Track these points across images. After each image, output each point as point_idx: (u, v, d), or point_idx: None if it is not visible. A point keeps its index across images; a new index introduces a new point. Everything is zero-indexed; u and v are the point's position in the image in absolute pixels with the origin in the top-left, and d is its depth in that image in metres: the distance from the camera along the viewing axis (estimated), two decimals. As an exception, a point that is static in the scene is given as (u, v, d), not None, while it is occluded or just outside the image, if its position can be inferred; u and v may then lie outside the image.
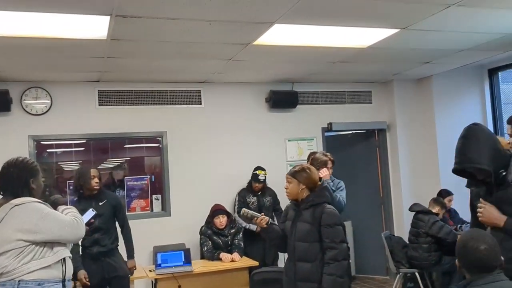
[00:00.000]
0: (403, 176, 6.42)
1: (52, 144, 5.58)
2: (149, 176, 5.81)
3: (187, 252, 4.52)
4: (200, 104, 5.87)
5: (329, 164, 4.22)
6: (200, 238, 4.91)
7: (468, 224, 4.59)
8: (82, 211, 3.91)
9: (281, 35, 4.01)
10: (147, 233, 5.29)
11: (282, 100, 6.08)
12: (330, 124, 6.32)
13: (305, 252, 2.97)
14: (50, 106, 5.28)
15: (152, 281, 4.51)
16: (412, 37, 4.34)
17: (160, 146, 5.76)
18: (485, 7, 3.67)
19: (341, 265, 2.90)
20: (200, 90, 5.87)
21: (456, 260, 2.06)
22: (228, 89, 5.97)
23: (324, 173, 4.06)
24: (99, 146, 5.81)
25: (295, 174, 3.11)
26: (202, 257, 4.91)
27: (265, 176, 5.48)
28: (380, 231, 5.96)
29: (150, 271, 4.43)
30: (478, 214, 2.37)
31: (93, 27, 3.54)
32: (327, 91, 6.41)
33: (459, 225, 5.39)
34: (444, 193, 5.53)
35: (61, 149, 5.72)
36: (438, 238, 4.66)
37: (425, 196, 5.59)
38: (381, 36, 4.25)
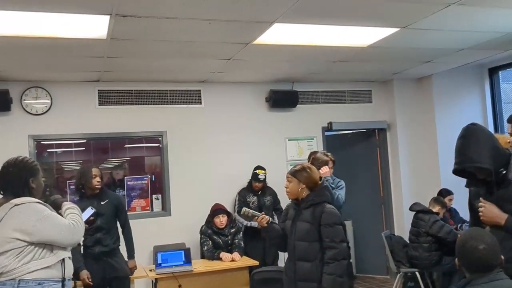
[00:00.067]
0: (404, 176, 6.41)
1: (52, 144, 5.58)
2: (149, 176, 5.81)
3: (187, 251, 4.52)
4: (200, 103, 5.87)
5: (330, 164, 4.23)
6: (200, 238, 4.91)
7: (468, 224, 4.59)
8: (83, 210, 3.92)
9: (281, 34, 4.00)
10: (147, 232, 5.29)
11: (282, 99, 6.08)
12: (330, 123, 6.32)
13: (305, 252, 2.97)
14: (50, 106, 5.28)
15: (152, 281, 4.51)
16: (412, 36, 4.34)
17: (160, 145, 5.76)
18: (485, 6, 3.66)
19: (340, 265, 2.90)
20: (200, 90, 5.87)
21: (456, 260, 2.06)
22: (228, 88, 5.96)
23: (324, 170, 4.06)
24: (99, 146, 5.81)
25: (296, 173, 3.12)
26: (202, 257, 4.91)
27: (265, 176, 5.48)
28: (380, 230, 5.96)
29: (150, 270, 4.43)
30: (480, 213, 2.37)
31: (93, 26, 3.54)
32: (327, 91, 6.41)
33: (459, 225, 5.38)
34: (444, 193, 5.53)
35: (61, 149, 5.73)
36: (438, 237, 4.66)
37: (425, 195, 5.59)
38: (381, 35, 4.25)
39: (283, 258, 4.91)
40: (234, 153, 5.89)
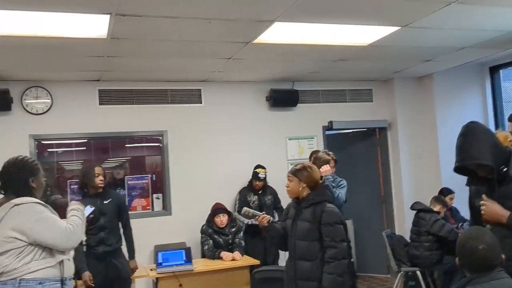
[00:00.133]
0: (404, 175, 6.41)
1: (52, 144, 5.58)
2: (150, 175, 5.81)
3: (188, 251, 4.53)
4: (201, 103, 5.87)
5: (332, 163, 4.23)
6: (201, 237, 4.91)
7: (469, 223, 4.58)
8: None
9: (281, 33, 4.00)
10: (148, 232, 5.29)
11: (283, 98, 6.07)
12: (330, 122, 6.31)
13: (306, 251, 2.97)
14: (51, 106, 5.28)
15: (153, 280, 4.52)
16: (413, 35, 4.33)
17: (161, 145, 5.76)
18: (486, 4, 3.65)
19: (341, 264, 2.90)
20: (200, 89, 5.86)
21: (456, 259, 2.05)
22: (229, 88, 5.96)
23: (325, 168, 4.07)
24: (100, 146, 5.81)
25: (296, 172, 3.11)
26: (203, 256, 4.91)
27: (265, 174, 5.48)
28: (381, 229, 5.95)
29: (151, 270, 4.44)
30: (482, 212, 2.36)
31: (93, 26, 3.53)
32: (328, 90, 6.40)
33: (460, 224, 5.38)
34: (445, 192, 5.53)
35: (62, 148, 5.73)
36: (439, 236, 4.66)
37: (426, 194, 5.59)
38: (382, 34, 4.24)
39: (284, 257, 4.90)
40: (235, 152, 5.89)
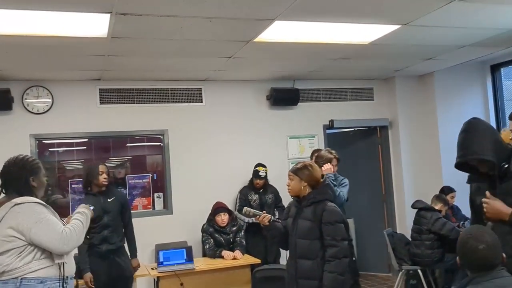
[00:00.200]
0: (405, 173, 6.40)
1: (53, 143, 5.58)
2: (150, 175, 5.81)
3: (189, 250, 4.53)
4: (201, 102, 5.87)
5: (334, 162, 4.23)
6: (202, 236, 4.91)
7: (470, 221, 4.58)
8: None
9: (282, 32, 3.99)
10: (149, 231, 5.29)
11: (283, 97, 6.07)
12: (331, 121, 6.31)
13: (306, 250, 2.97)
14: (52, 105, 5.29)
15: (154, 279, 4.52)
16: (414, 33, 4.32)
17: (162, 144, 5.76)
18: (487, 2, 3.64)
19: (341, 263, 2.89)
20: (201, 88, 5.86)
21: (457, 258, 2.05)
22: (229, 87, 5.96)
23: (326, 167, 4.07)
24: (101, 145, 5.81)
25: (297, 171, 3.11)
26: (204, 255, 4.91)
27: (266, 173, 5.47)
28: (382, 228, 5.96)
29: (152, 269, 4.44)
30: (484, 209, 2.35)
31: (94, 25, 3.53)
32: (329, 88, 6.39)
33: (461, 222, 5.38)
34: (446, 190, 5.52)
35: (63, 148, 5.72)
36: (440, 235, 4.66)
37: (427, 193, 5.58)
38: (383, 32, 4.24)
39: (285, 256, 4.90)
40: (236, 151, 5.89)
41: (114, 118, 5.49)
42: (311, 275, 2.93)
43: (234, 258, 4.63)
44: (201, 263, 4.54)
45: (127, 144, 5.94)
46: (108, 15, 3.31)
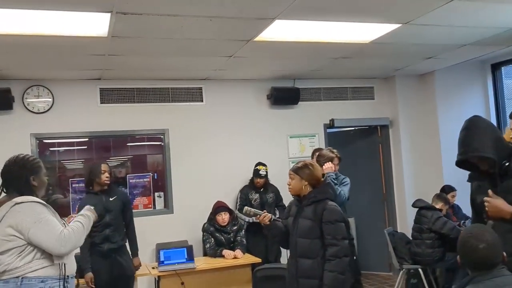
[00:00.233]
0: (406, 172, 6.40)
1: (54, 143, 5.58)
2: (151, 174, 5.81)
3: (189, 249, 4.53)
4: (202, 101, 5.86)
5: (336, 161, 4.24)
6: (203, 235, 4.91)
7: (471, 220, 4.58)
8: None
9: (282, 31, 3.99)
10: (150, 230, 5.30)
11: (284, 96, 6.07)
12: (332, 120, 6.31)
13: (307, 249, 2.97)
14: (52, 104, 5.29)
15: (155, 278, 4.52)
16: (414, 32, 4.32)
17: (162, 143, 5.76)
18: (487, 1, 3.64)
19: (342, 262, 2.89)
20: (201, 88, 5.86)
21: (458, 257, 2.05)
22: (230, 86, 5.96)
23: (327, 165, 4.07)
24: (101, 144, 5.81)
25: (298, 170, 3.11)
26: (205, 254, 4.91)
27: (266, 172, 5.47)
28: (383, 227, 5.95)
29: (153, 268, 4.44)
30: (486, 208, 2.35)
31: (94, 24, 3.53)
32: (329, 87, 6.39)
33: (462, 221, 5.37)
34: (447, 189, 5.52)
35: (63, 147, 5.73)
36: (441, 234, 4.65)
37: (428, 192, 5.57)
38: (383, 31, 4.23)
39: (286, 255, 4.90)
40: (236, 150, 5.89)
41: (115, 118, 5.49)
42: (312, 274, 2.93)
43: (235, 258, 4.63)
44: (201, 262, 4.55)
45: (128, 144, 5.94)
46: (109, 14, 3.31)
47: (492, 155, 2.28)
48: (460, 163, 2.45)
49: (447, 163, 5.97)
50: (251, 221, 5.24)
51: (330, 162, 4.11)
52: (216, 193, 5.41)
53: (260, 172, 5.44)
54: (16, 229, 2.37)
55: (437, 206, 4.93)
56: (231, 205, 5.35)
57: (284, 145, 6.17)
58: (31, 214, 2.39)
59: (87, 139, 5.68)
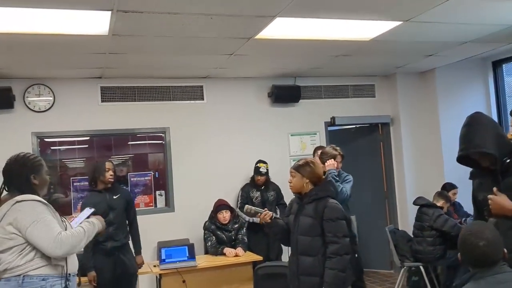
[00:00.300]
0: (407, 170, 6.40)
1: (55, 142, 5.59)
2: (152, 172, 5.82)
3: (191, 247, 4.53)
4: (203, 99, 5.86)
5: (339, 158, 4.25)
6: (204, 233, 4.92)
7: (472, 217, 4.58)
8: (96, 205, 3.94)
9: (283, 28, 3.99)
10: (151, 228, 5.30)
11: (285, 94, 6.06)
12: (333, 118, 6.30)
13: (308, 246, 2.98)
14: (53, 103, 5.29)
15: (156, 277, 4.52)
16: (415, 30, 4.31)
17: (163, 142, 5.77)
18: (489, -2, 3.64)
19: (343, 260, 2.90)
20: (202, 86, 5.86)
21: (459, 254, 2.05)
22: (230, 84, 5.95)
23: (329, 162, 4.08)
24: (103, 143, 5.81)
25: (299, 168, 3.11)
26: (206, 252, 4.92)
27: (267, 169, 5.47)
28: (384, 225, 5.95)
29: (155, 266, 4.44)
30: (490, 206, 2.35)
31: (94, 22, 3.53)
32: (330, 85, 6.38)
33: (463, 219, 5.37)
34: (448, 187, 5.52)
35: (65, 146, 5.73)
36: (442, 231, 4.65)
37: (429, 189, 5.58)
38: (384, 29, 4.23)
39: (287, 253, 4.91)
40: (237, 148, 5.89)
41: (116, 116, 5.50)
42: (313, 271, 2.94)
43: (236, 255, 4.64)
44: (203, 260, 4.55)
45: (129, 142, 5.95)
46: (109, 12, 3.31)
47: (494, 152, 2.28)
48: (461, 159, 2.45)
49: (448, 161, 5.96)
50: (251, 221, 5.25)
51: (332, 159, 4.12)
52: (217, 191, 5.42)
53: (261, 170, 5.44)
54: (15, 227, 2.37)
55: (438, 204, 4.93)
56: (232, 203, 5.36)
57: (285, 143, 6.17)
58: (31, 213, 2.39)
59: (88, 138, 5.68)
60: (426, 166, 6.37)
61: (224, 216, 4.86)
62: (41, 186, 2.57)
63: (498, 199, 2.29)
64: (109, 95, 5.49)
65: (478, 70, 6.31)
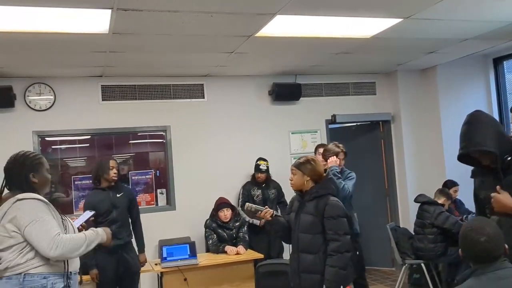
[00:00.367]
0: (408, 168, 6.39)
1: (56, 140, 5.59)
2: (153, 171, 5.82)
3: (192, 245, 4.54)
4: (203, 98, 5.86)
5: (341, 155, 4.26)
6: (205, 231, 4.92)
7: (474, 215, 4.57)
8: (99, 203, 3.94)
9: (283, 26, 3.98)
10: (152, 227, 5.29)
11: (285, 92, 6.06)
12: (334, 116, 6.30)
13: (308, 244, 2.98)
14: (54, 102, 5.29)
15: (158, 275, 4.54)
16: (416, 27, 4.30)
17: (164, 140, 5.77)
18: (489, -6, 3.63)
19: (343, 257, 2.90)
20: (203, 84, 5.86)
21: (460, 250, 2.05)
22: (231, 82, 5.95)
23: (331, 159, 4.09)
24: (103, 142, 5.82)
25: (300, 165, 3.12)
26: (207, 250, 4.93)
27: (267, 166, 5.47)
28: (385, 222, 5.95)
29: (156, 264, 4.45)
30: (492, 204, 2.35)
31: (95, 21, 3.53)
32: (331, 83, 6.38)
33: (464, 216, 5.37)
34: (449, 184, 5.51)
35: (66, 145, 5.74)
36: (443, 229, 4.65)
37: (430, 187, 5.57)
38: (385, 26, 4.22)
39: (288, 250, 4.91)
40: (238, 147, 5.89)
41: (116, 115, 5.50)
42: (313, 269, 2.94)
43: (237, 253, 4.64)
44: (204, 258, 4.55)
45: (130, 141, 5.95)
46: (109, 11, 3.31)
47: (494, 150, 2.28)
48: (461, 158, 2.44)
49: (449, 158, 5.96)
50: (250, 221, 5.24)
51: (334, 156, 4.13)
52: (218, 190, 5.42)
53: (261, 167, 5.44)
54: (15, 225, 2.37)
55: (440, 201, 4.93)
56: (233, 201, 5.36)
57: (286, 141, 6.17)
58: (30, 212, 2.38)
59: (89, 137, 5.69)
60: (427, 164, 6.37)
61: (225, 214, 4.86)
62: (41, 184, 2.55)
63: (501, 197, 2.29)
64: (109, 93, 5.49)
65: (479, 67, 6.30)
